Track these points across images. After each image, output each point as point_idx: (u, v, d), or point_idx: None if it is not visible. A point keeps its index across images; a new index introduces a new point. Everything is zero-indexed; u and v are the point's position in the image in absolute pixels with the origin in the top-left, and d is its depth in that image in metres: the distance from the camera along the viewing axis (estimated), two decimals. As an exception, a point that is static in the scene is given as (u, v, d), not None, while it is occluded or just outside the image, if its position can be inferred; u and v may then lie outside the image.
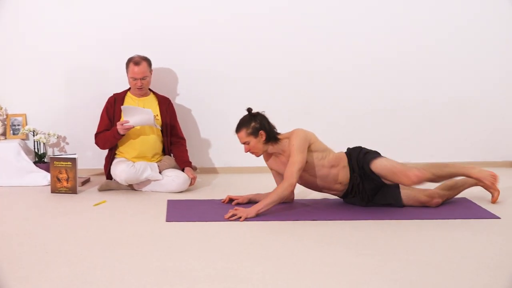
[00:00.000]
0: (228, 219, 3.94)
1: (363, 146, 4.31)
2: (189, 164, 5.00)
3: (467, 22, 5.61)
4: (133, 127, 4.72)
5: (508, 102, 5.75)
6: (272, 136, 4.11)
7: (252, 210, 3.98)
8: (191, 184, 4.86)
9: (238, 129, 4.13)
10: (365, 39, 5.56)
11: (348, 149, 4.31)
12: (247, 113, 4.17)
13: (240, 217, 3.93)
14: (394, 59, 5.61)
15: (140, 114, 4.66)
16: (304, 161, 4.05)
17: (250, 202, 4.29)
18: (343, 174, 4.17)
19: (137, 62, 4.85)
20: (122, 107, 4.75)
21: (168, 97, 5.18)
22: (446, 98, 5.68)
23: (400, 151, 5.68)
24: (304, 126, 5.57)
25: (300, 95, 5.58)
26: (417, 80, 5.66)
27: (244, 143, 4.13)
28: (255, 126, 4.07)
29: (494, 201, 4.31)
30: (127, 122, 4.67)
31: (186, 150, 5.09)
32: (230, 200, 4.39)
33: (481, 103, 5.71)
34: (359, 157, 4.16)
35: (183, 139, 5.13)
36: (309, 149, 4.11)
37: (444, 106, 5.69)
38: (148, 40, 5.36)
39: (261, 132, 4.07)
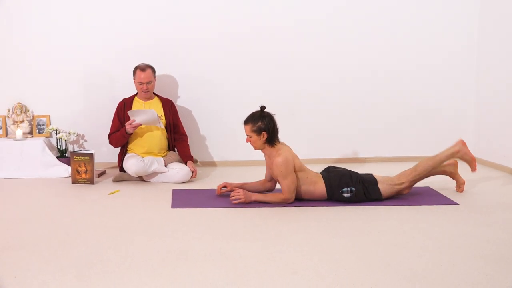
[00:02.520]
0: (232, 207, 3.93)
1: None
2: (190, 158, 4.95)
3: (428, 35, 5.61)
4: (140, 124, 4.71)
5: (463, 105, 5.74)
6: (271, 140, 3.97)
7: (252, 196, 3.98)
8: (192, 176, 4.82)
9: (246, 122, 3.98)
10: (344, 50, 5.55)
11: (327, 177, 4.05)
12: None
13: (241, 198, 3.95)
14: (376, 64, 5.61)
15: (144, 114, 4.67)
16: (294, 181, 3.93)
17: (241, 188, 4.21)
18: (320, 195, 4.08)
19: (143, 68, 4.84)
20: (128, 112, 4.73)
21: (170, 99, 5.14)
22: (415, 102, 5.69)
23: (373, 146, 5.70)
24: (288, 126, 5.53)
25: (285, 98, 5.52)
26: (390, 87, 5.67)
27: (247, 135, 4.02)
28: (261, 126, 3.91)
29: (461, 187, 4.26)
30: (134, 121, 4.67)
31: (188, 146, 5.04)
32: (224, 187, 4.28)
33: (443, 106, 5.72)
34: (366, 194, 3.99)
35: (185, 135, 5.09)
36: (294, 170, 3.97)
37: (412, 108, 5.70)
38: (154, 48, 5.31)
39: (264, 133, 3.93)
